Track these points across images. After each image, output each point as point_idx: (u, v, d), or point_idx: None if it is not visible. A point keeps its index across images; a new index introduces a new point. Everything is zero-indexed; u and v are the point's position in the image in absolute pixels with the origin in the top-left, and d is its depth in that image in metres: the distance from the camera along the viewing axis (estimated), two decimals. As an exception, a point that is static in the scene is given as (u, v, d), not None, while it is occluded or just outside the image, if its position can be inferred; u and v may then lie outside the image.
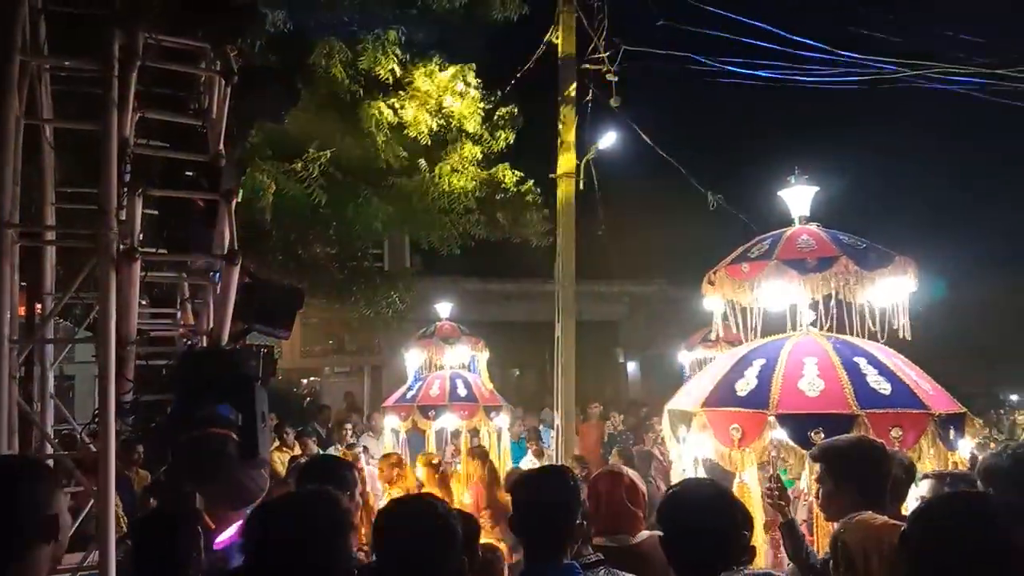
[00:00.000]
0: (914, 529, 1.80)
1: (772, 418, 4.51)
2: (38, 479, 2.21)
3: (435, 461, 8.28)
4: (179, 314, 5.67)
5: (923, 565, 1.69)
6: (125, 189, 4.00)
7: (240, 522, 3.90)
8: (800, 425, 4.44)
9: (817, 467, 3.50)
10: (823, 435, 4.31)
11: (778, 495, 3.96)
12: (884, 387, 4.59)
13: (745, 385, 4.80)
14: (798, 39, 9.47)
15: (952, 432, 4.51)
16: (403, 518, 2.37)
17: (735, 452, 4.60)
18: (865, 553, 2.88)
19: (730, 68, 10.15)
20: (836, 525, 3.23)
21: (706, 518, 2.44)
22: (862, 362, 4.75)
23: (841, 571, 2.89)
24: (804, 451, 4.39)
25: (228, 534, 3.97)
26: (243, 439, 3.67)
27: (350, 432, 11.92)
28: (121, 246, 3.90)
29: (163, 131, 4.47)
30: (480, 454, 8.75)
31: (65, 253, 5.31)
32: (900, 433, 4.29)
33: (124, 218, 4.04)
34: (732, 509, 2.48)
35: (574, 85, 10.39)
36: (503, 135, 9.94)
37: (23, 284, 4.70)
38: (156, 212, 4.49)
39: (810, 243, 5.13)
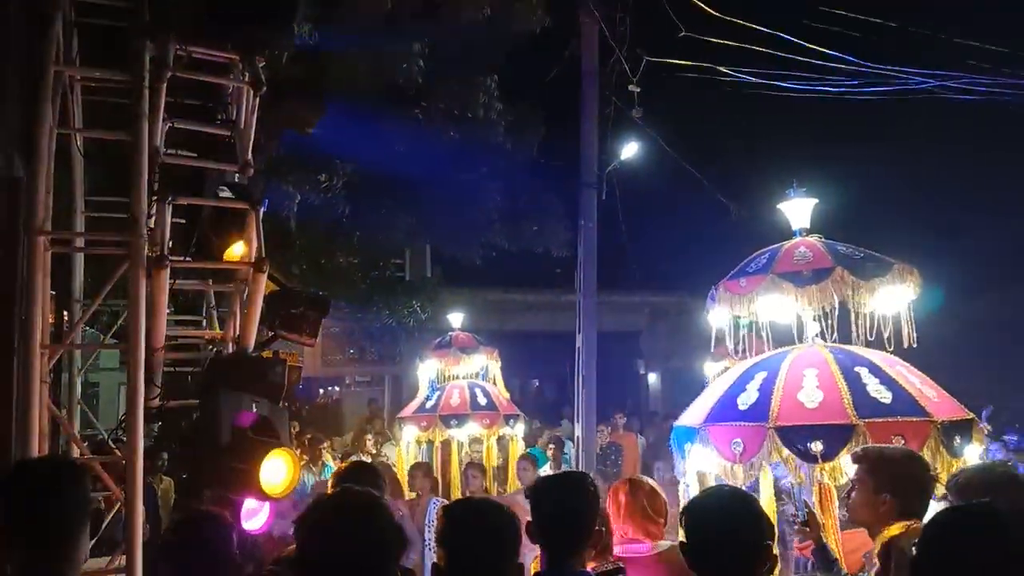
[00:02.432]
0: (926, 549, 1.77)
1: (772, 430, 4.49)
2: (86, 476, 2.58)
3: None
4: (204, 322, 5.76)
5: None
6: (155, 197, 4.08)
7: (267, 505, 3.93)
8: (799, 437, 4.42)
9: (855, 468, 3.48)
10: (822, 446, 4.31)
11: (807, 523, 3.95)
12: (885, 396, 4.55)
13: (746, 399, 4.79)
14: (823, 50, 9.43)
15: (958, 439, 4.47)
16: (472, 516, 2.42)
17: (737, 467, 4.58)
18: None
19: (753, 79, 10.13)
20: (885, 532, 3.17)
21: (731, 526, 2.42)
22: (863, 371, 4.72)
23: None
24: (806, 462, 4.37)
25: (260, 520, 4.01)
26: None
27: (371, 441, 11.95)
28: (151, 254, 3.97)
29: (192, 141, 4.55)
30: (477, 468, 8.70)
31: (92, 262, 5.39)
32: (902, 442, 4.25)
33: (153, 226, 4.11)
34: (757, 518, 2.46)
35: (596, 96, 10.40)
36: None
37: (52, 292, 4.78)
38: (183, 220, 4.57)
39: (807, 255, 5.11)
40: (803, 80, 9.76)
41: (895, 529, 3.15)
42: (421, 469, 8.04)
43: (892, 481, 3.34)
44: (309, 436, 11.34)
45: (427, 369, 10.60)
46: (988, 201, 17.50)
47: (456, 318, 10.91)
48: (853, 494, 3.48)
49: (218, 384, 3.94)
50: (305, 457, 10.55)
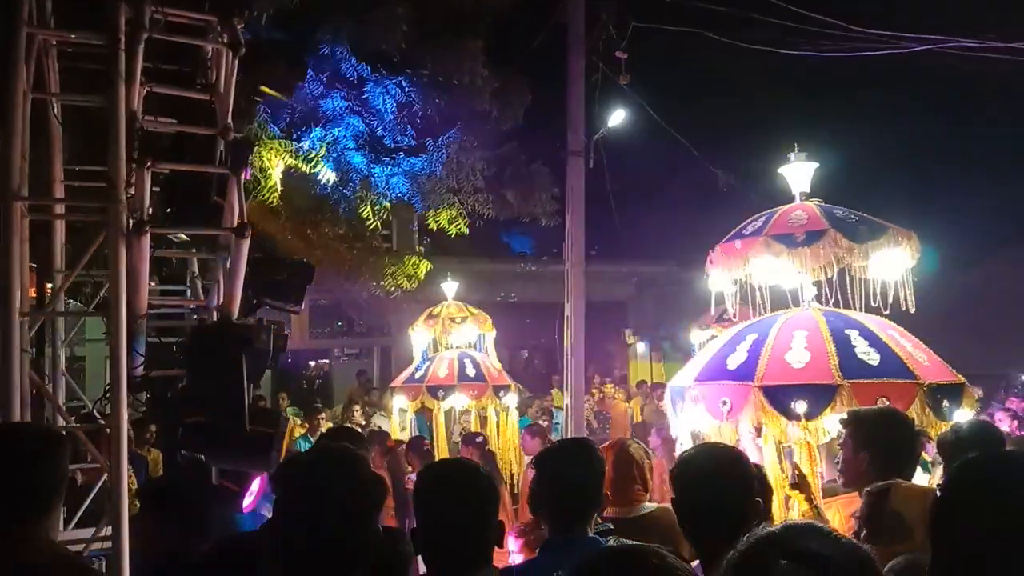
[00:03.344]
0: (952, 492, 1.74)
1: (757, 388, 4.52)
2: (65, 443, 2.55)
3: (479, 439, 8.36)
4: (189, 291, 5.69)
5: (962, 530, 1.63)
6: (134, 164, 4.00)
7: (259, 479, 3.94)
8: (783, 395, 4.46)
9: (844, 432, 3.52)
10: (805, 405, 4.34)
11: (800, 483, 3.97)
12: (873, 358, 4.59)
13: (736, 359, 4.85)
14: (811, 14, 9.34)
15: (946, 402, 4.50)
16: (447, 480, 2.38)
17: (725, 424, 4.62)
18: (921, 518, 2.84)
19: (741, 44, 10.03)
20: (872, 489, 3.18)
21: (716, 484, 2.42)
22: (853, 334, 4.75)
23: (884, 536, 2.84)
24: (789, 420, 4.41)
25: (251, 496, 4.01)
26: (237, 414, 3.70)
27: (359, 412, 11.96)
28: (131, 220, 3.91)
29: (171, 106, 4.46)
30: (471, 440, 8.71)
31: (74, 233, 5.31)
32: (887, 402, 4.29)
33: (133, 192, 4.04)
34: (745, 476, 2.46)
35: (583, 62, 10.29)
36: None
37: (33, 265, 4.71)
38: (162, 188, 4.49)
39: (802, 218, 5.13)
40: (791, 46, 9.68)
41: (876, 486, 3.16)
42: (414, 448, 8.06)
43: (869, 440, 3.38)
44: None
45: (420, 339, 10.58)
46: (988, 166, 17.53)
47: (449, 287, 10.87)
48: (841, 457, 3.52)
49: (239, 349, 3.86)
50: (304, 427, 10.58)
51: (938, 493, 1.74)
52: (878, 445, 3.36)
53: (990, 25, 9.72)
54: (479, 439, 8.74)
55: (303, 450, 9.15)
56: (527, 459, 8.71)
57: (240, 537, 2.41)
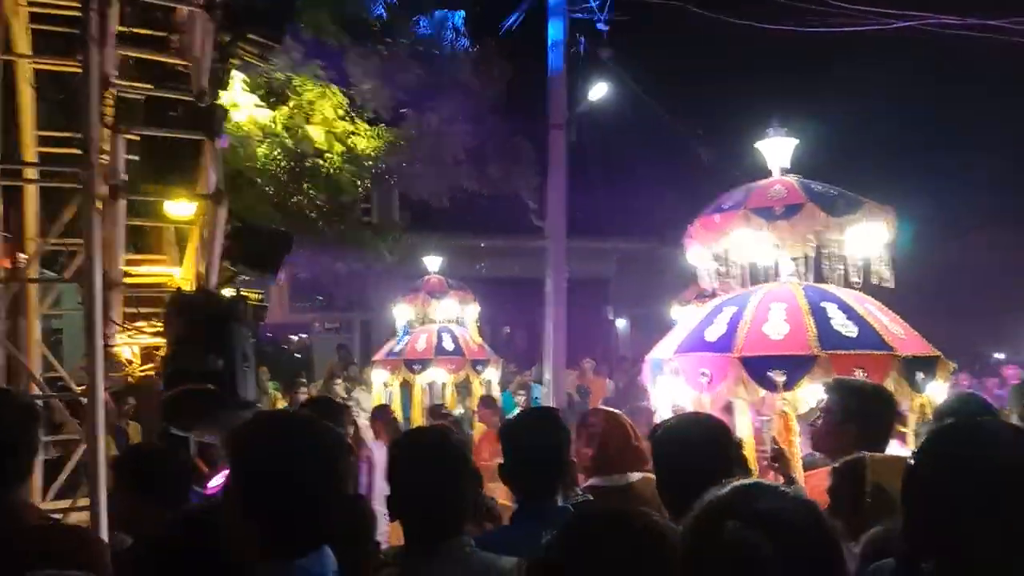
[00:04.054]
0: (924, 458, 1.75)
1: (736, 359, 4.56)
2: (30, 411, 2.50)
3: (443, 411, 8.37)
4: (166, 261, 5.64)
5: (934, 496, 1.64)
6: (108, 129, 3.94)
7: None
8: (762, 366, 4.49)
9: (825, 399, 3.54)
10: (784, 375, 4.39)
11: (778, 458, 4.00)
12: (850, 330, 4.63)
13: (715, 331, 4.88)
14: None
15: (921, 375, 4.56)
16: (422, 445, 2.37)
17: (704, 396, 4.65)
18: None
19: (724, 17, 10.00)
20: (840, 465, 3.21)
21: (697, 453, 2.42)
22: (831, 307, 4.80)
23: (866, 505, 2.86)
24: (767, 391, 4.45)
25: (219, 479, 3.99)
26: (222, 384, 3.66)
27: (339, 386, 11.94)
28: (105, 186, 3.85)
29: (147, 71, 4.39)
30: (491, 404, 8.75)
31: (49, 201, 5.23)
32: (863, 374, 4.33)
33: (107, 158, 3.98)
34: (725, 446, 2.46)
35: (564, 34, 10.22)
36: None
37: (7, 235, 4.64)
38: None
39: (781, 192, 5.13)
40: (774, 20, 9.67)
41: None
42: (381, 417, 8.07)
43: (858, 412, 3.39)
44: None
45: (402, 313, 10.55)
46: (969, 142, 17.60)
47: (432, 262, 10.81)
48: (818, 423, 3.54)
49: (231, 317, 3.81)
50: (286, 401, 10.55)
51: (911, 461, 1.75)
52: (869, 419, 3.38)
53: (973, 2, 9.74)
54: (443, 410, 8.80)
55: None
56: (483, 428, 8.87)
57: (201, 507, 2.39)
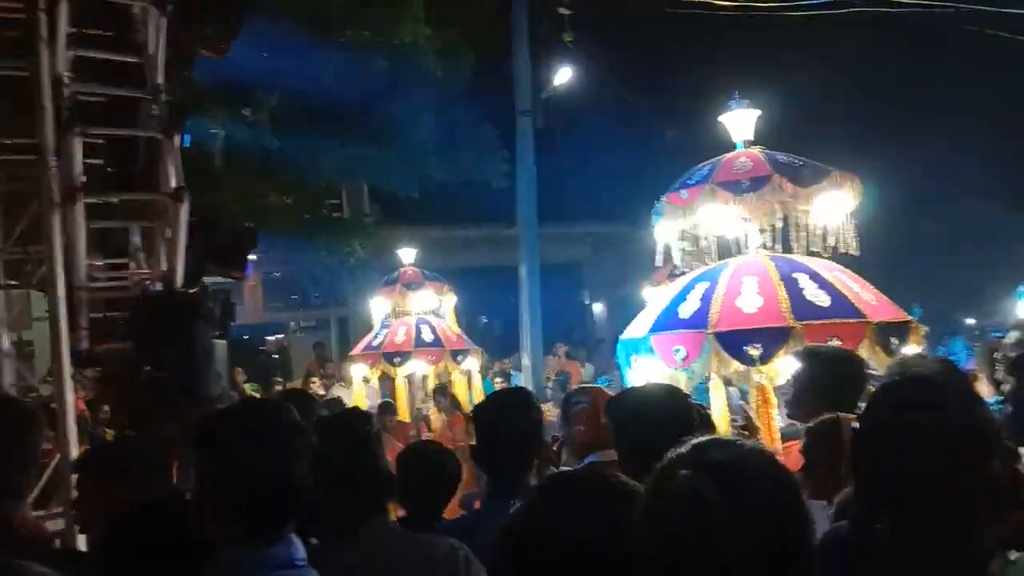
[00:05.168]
0: (870, 418, 1.77)
1: (711, 335, 4.58)
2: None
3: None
4: (132, 264, 5.56)
5: (881, 456, 1.66)
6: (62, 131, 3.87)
7: None
8: (737, 340, 4.53)
9: (796, 367, 3.57)
10: (760, 349, 4.42)
11: (748, 426, 4.04)
12: (823, 300, 4.67)
13: (688, 308, 4.90)
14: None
15: (894, 340, 4.61)
16: (335, 427, 2.40)
17: (679, 372, 4.67)
18: None
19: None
20: (814, 426, 3.24)
21: (648, 420, 2.43)
22: (802, 277, 4.83)
23: (841, 465, 2.88)
24: (744, 365, 4.48)
25: None
26: (183, 381, 3.63)
27: (317, 384, 11.88)
28: (62, 188, 3.79)
29: (102, 69, 4.31)
30: (443, 392, 8.77)
31: (9, 206, 5.14)
32: (839, 342, 4.38)
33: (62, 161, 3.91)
34: (682, 415, 2.46)
35: (526, 19, 10.20)
36: None
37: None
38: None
39: (747, 164, 5.16)
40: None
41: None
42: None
43: (824, 377, 3.42)
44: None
45: (379, 306, 10.49)
46: (937, 117, 17.71)
47: (407, 254, 10.76)
48: (792, 389, 3.58)
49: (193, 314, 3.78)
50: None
51: (856, 423, 1.77)
52: (837, 382, 3.41)
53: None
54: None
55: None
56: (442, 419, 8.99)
57: (169, 492, 2.39)
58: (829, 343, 4.40)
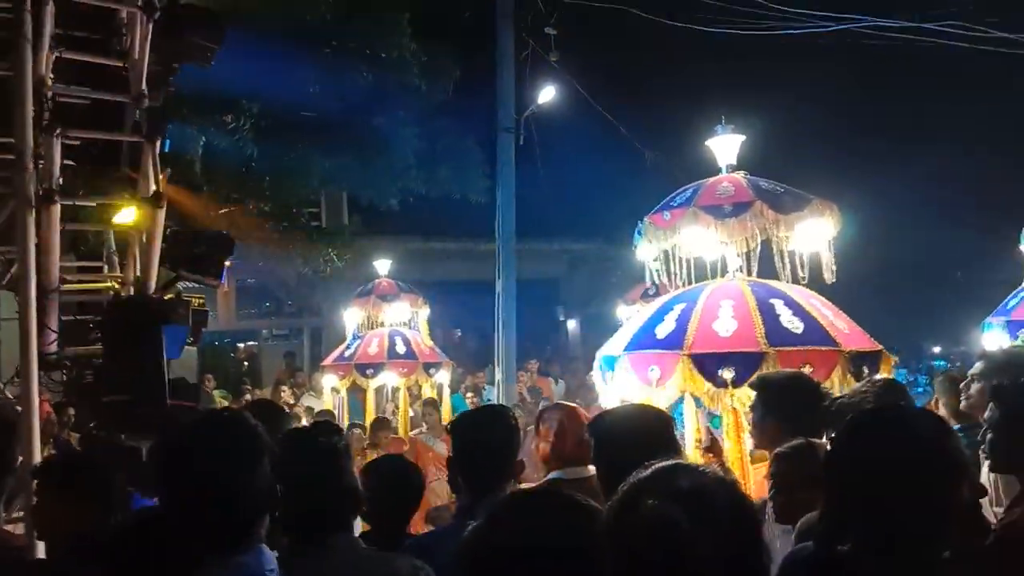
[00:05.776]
0: (842, 445, 1.82)
1: (685, 356, 4.62)
2: None
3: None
4: (106, 267, 5.52)
5: (851, 481, 1.71)
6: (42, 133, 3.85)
7: None
8: (711, 363, 4.56)
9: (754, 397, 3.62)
10: (733, 372, 4.45)
11: (712, 447, 4.08)
12: (797, 326, 4.72)
13: (664, 328, 4.93)
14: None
15: (865, 369, 4.67)
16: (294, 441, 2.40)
17: (654, 391, 4.71)
18: None
19: (669, 22, 10.15)
20: (783, 450, 3.28)
21: (630, 443, 2.46)
22: (778, 303, 4.88)
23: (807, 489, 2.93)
24: (717, 387, 4.51)
25: None
26: (152, 389, 3.61)
27: (287, 393, 11.80)
28: (39, 190, 3.76)
29: (85, 74, 4.30)
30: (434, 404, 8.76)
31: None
32: (811, 369, 4.44)
33: (42, 162, 3.89)
34: (661, 436, 2.50)
35: (512, 38, 10.27)
36: None
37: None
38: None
39: (729, 190, 5.21)
40: (718, 24, 9.84)
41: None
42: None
43: (776, 404, 3.48)
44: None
45: (352, 317, 10.45)
46: (918, 144, 17.97)
47: (382, 265, 10.72)
48: (752, 420, 3.63)
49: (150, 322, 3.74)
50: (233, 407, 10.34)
51: (828, 448, 1.82)
52: (788, 409, 3.46)
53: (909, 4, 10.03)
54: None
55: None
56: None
57: (152, 510, 2.36)
58: (803, 369, 4.46)
